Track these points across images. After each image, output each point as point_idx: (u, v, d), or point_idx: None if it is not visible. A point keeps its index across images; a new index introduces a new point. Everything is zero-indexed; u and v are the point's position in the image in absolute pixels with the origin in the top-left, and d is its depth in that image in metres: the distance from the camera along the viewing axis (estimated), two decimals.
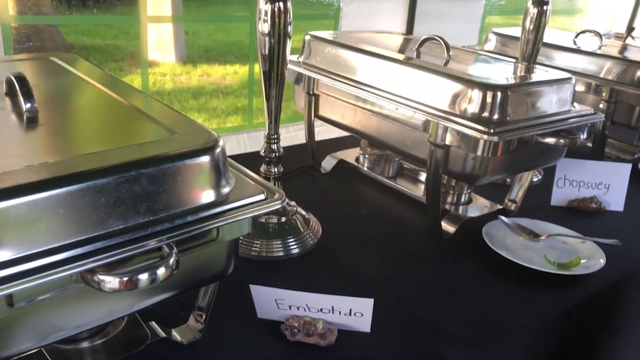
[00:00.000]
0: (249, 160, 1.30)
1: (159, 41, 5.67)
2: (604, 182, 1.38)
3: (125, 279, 0.56)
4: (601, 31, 1.73)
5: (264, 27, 0.96)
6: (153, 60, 5.75)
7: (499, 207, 1.30)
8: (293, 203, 1.14)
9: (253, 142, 2.47)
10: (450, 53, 1.22)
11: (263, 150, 1.06)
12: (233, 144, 2.44)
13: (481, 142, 1.01)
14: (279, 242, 1.06)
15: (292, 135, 2.32)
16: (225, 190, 0.68)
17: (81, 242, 0.57)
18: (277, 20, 0.96)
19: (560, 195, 1.38)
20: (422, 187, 1.33)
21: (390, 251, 1.12)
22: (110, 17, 5.83)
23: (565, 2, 5.24)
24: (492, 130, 0.99)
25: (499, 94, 1.02)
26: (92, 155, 0.61)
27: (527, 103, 1.08)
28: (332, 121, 1.35)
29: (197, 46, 6.32)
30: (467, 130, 1.01)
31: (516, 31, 1.75)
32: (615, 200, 1.37)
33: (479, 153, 1.03)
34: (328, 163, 1.47)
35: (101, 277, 0.56)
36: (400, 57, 1.21)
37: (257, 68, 0.99)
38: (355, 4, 2.58)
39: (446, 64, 1.19)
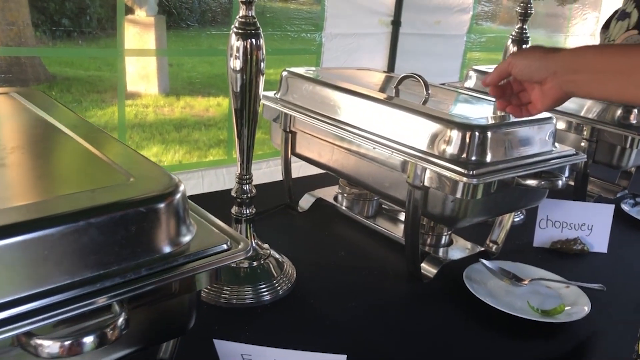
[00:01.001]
0: (224, 198, 1.27)
1: (143, 73, 5.64)
2: (587, 223, 1.35)
3: (67, 342, 0.51)
4: None
5: (236, 63, 0.93)
6: (136, 92, 5.71)
7: (480, 249, 1.26)
8: (266, 246, 1.09)
9: (232, 177, 2.40)
10: (430, 91, 1.19)
11: (234, 191, 1.02)
12: (212, 179, 2.39)
13: (460, 185, 0.98)
14: (250, 288, 1.01)
15: (272, 170, 2.28)
16: (185, 239, 0.64)
17: (18, 301, 0.51)
18: (249, 57, 0.92)
19: (542, 236, 1.35)
20: (402, 227, 1.29)
21: (367, 297, 1.07)
22: (94, 50, 5.80)
23: (545, 40, 5.33)
24: (471, 172, 0.96)
25: (477, 134, 0.99)
26: (35, 204, 0.56)
27: (507, 144, 1.05)
28: (309, 159, 1.32)
29: (180, 78, 6.31)
30: (446, 172, 0.97)
31: None
32: (599, 241, 1.34)
33: (458, 195, 0.99)
34: (305, 201, 1.43)
35: (39, 341, 0.50)
36: (378, 95, 1.18)
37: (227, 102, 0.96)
38: (337, 39, 2.57)
39: (425, 102, 1.16)
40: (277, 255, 1.10)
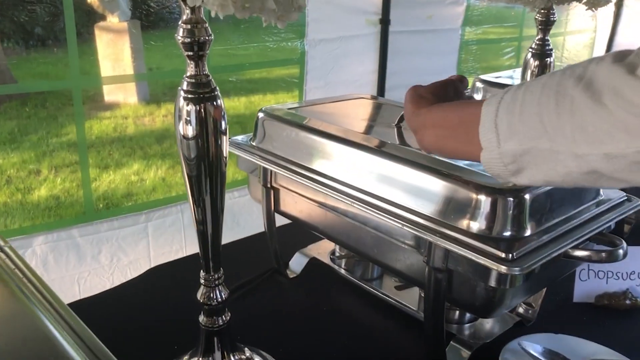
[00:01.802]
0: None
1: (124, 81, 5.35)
2: (637, 271, 1.12)
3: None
4: None
5: (187, 130, 0.68)
6: (114, 102, 5.44)
7: (516, 319, 1.03)
8: (248, 355, 0.85)
9: None
10: None
11: (200, 296, 0.78)
12: (189, 212, 2.15)
13: (495, 273, 0.74)
14: None
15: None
16: None
17: None
18: (205, 121, 0.68)
19: (584, 289, 1.12)
20: (417, 294, 1.05)
21: None
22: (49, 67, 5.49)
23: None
24: (510, 256, 0.72)
25: (513, 200, 0.76)
26: None
27: (549, 205, 0.81)
28: (297, 219, 1.08)
29: (161, 84, 6.03)
30: (476, 257, 0.73)
31: (504, 78, 1.51)
32: None
33: (493, 284, 0.76)
34: (297, 263, 1.19)
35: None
36: (378, 144, 0.94)
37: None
38: (321, 45, 2.32)
39: None
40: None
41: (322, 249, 1.21)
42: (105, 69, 5.06)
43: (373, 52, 2.56)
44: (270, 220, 1.12)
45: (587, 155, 0.48)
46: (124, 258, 1.99)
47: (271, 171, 1.04)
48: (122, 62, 5.12)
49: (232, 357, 0.81)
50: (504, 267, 0.71)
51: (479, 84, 1.59)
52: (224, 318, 0.79)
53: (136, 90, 5.42)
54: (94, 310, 1.05)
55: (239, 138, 1.12)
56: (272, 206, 1.09)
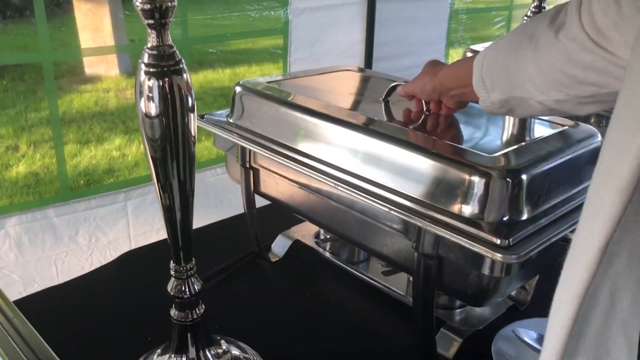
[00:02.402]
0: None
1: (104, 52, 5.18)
2: None
3: None
4: None
5: (150, 107, 0.61)
6: (95, 75, 5.28)
7: (509, 303, 0.98)
8: (225, 348, 0.80)
9: (197, 186, 2.10)
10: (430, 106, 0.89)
11: (171, 288, 0.72)
12: None
13: (490, 261, 0.69)
14: None
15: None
16: None
17: None
18: (169, 98, 0.61)
19: None
20: (405, 277, 1.00)
21: None
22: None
23: None
24: (507, 243, 0.67)
25: (511, 182, 0.70)
26: None
27: (548, 185, 0.76)
28: (279, 201, 1.01)
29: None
30: (469, 244, 0.68)
31: None
32: None
33: (486, 272, 0.70)
34: (279, 246, 1.13)
35: None
36: (364, 120, 0.87)
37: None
38: (305, 14, 2.22)
39: (425, 124, 0.86)
40: (237, 352, 0.81)
41: (306, 231, 1.15)
42: (85, 40, 4.89)
43: (360, 21, 2.46)
44: (249, 202, 1.05)
45: (545, 101, 0.64)
46: (103, 238, 1.92)
47: (250, 150, 0.98)
48: (102, 33, 4.95)
49: (207, 353, 0.75)
50: (499, 255, 0.66)
51: (469, 54, 1.52)
52: (198, 311, 0.73)
53: (117, 62, 5.25)
54: (65, 299, 0.99)
55: (215, 114, 1.05)
56: (251, 187, 1.03)
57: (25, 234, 1.77)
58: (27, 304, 0.94)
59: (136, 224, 2.01)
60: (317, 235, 1.14)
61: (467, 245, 0.68)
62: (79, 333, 0.90)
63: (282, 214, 1.16)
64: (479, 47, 1.53)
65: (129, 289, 1.01)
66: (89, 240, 1.91)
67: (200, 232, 1.24)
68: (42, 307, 0.96)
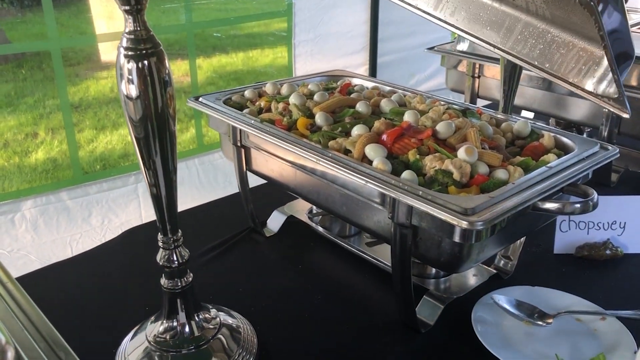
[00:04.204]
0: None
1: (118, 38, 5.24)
2: (618, 221, 1.10)
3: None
4: None
5: (130, 89, 0.66)
6: (111, 62, 5.36)
7: (492, 272, 1.02)
8: (213, 313, 0.85)
9: (206, 167, 2.17)
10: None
11: (160, 259, 0.77)
12: (183, 173, 2.13)
13: (457, 228, 0.72)
14: None
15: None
16: None
17: None
18: (149, 80, 0.65)
19: (565, 241, 1.10)
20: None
21: None
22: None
23: None
24: (471, 210, 0.70)
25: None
26: None
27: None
28: (269, 178, 1.06)
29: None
30: (439, 214, 0.71)
31: None
32: (635, 240, 1.09)
33: (457, 240, 0.74)
34: (274, 222, 1.18)
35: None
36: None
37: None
38: None
39: None
40: (230, 321, 0.86)
41: (300, 207, 1.20)
42: (100, 27, 4.96)
43: (364, 1, 2.48)
44: (242, 179, 1.10)
45: None
46: (115, 219, 1.99)
47: (240, 130, 1.02)
48: (117, 20, 5.01)
49: (196, 317, 0.80)
50: (464, 222, 0.69)
51: None
52: (186, 279, 0.78)
53: None
54: (69, 272, 1.06)
55: (207, 98, 1.09)
56: (243, 165, 1.07)
57: (41, 217, 1.84)
58: (31, 280, 1.00)
59: (147, 205, 2.08)
60: (310, 211, 1.18)
61: (435, 214, 0.71)
62: (81, 305, 0.96)
63: (279, 192, 1.21)
64: None
65: (130, 264, 1.07)
66: (102, 221, 1.98)
67: (203, 209, 1.30)
68: (44, 281, 1.02)
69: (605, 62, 0.83)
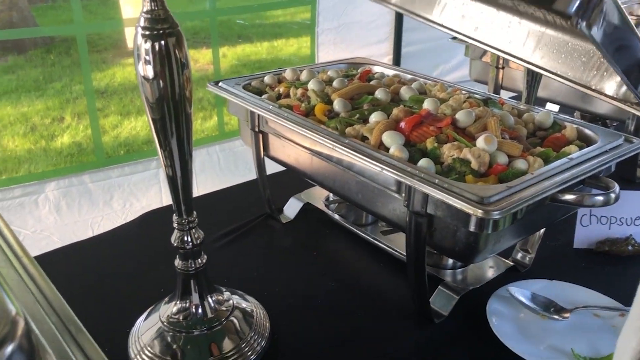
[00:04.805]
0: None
1: None
2: None
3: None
4: None
5: (147, 70, 0.66)
6: None
7: (509, 264, 1.00)
8: (227, 295, 0.85)
9: (226, 154, 2.17)
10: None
11: (174, 240, 0.77)
12: (204, 159, 2.15)
13: (474, 219, 0.71)
14: None
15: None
16: None
17: None
18: (166, 61, 0.66)
19: (585, 235, 1.08)
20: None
21: (363, 352, 0.83)
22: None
23: None
24: (488, 200, 0.69)
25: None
26: None
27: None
28: (286, 164, 1.05)
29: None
30: (455, 202, 0.70)
31: None
32: None
33: (472, 229, 0.73)
34: (291, 208, 1.18)
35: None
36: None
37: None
38: None
39: None
40: (243, 304, 0.86)
41: (317, 195, 1.19)
42: (127, 12, 5.00)
43: None
44: (260, 165, 1.10)
45: None
46: (136, 203, 2.01)
47: (259, 115, 1.02)
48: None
49: (209, 299, 0.81)
50: (480, 211, 0.68)
51: None
52: (200, 261, 0.78)
53: None
54: (87, 252, 1.07)
55: (226, 83, 1.09)
56: (261, 151, 1.07)
57: (64, 199, 1.88)
58: (50, 258, 1.02)
59: (167, 190, 2.09)
60: (327, 199, 1.17)
61: (450, 202, 0.70)
62: (97, 285, 0.97)
63: (295, 179, 1.21)
64: None
65: (148, 245, 1.08)
66: (123, 205, 2.00)
67: (221, 194, 1.30)
68: (64, 260, 1.04)
69: None
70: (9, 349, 0.40)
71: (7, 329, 0.41)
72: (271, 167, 1.12)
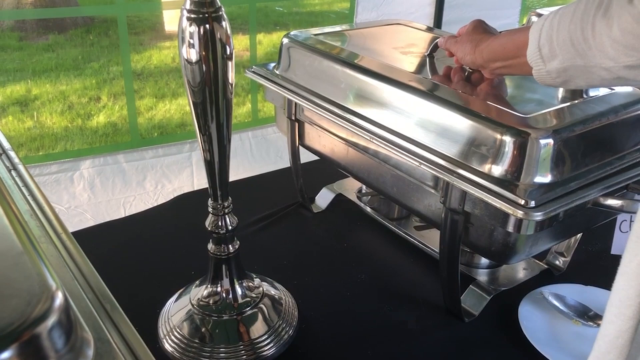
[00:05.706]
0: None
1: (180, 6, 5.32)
2: None
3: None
4: None
5: (191, 53, 0.66)
6: (174, 32, 5.45)
7: (543, 267, 0.98)
8: (257, 282, 0.85)
9: (258, 140, 2.18)
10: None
11: (209, 224, 0.78)
12: (236, 144, 2.16)
13: (512, 219, 0.70)
14: (239, 345, 0.78)
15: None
16: None
17: None
18: (210, 45, 0.66)
19: (624, 242, 1.04)
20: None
21: (390, 346, 0.83)
22: None
23: None
24: (528, 201, 0.68)
25: (542, 144, 0.70)
26: None
27: (584, 149, 0.75)
28: (321, 154, 1.05)
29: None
30: (494, 201, 0.69)
31: None
32: None
33: (510, 229, 0.71)
34: (322, 199, 1.17)
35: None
36: (403, 76, 0.88)
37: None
38: None
39: (468, 83, 0.86)
40: (272, 292, 0.86)
41: (349, 186, 1.19)
42: None
43: None
44: (295, 153, 1.10)
45: (613, 68, 0.61)
46: (168, 185, 2.04)
47: (295, 103, 1.01)
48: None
49: (240, 285, 0.81)
50: (520, 211, 0.67)
51: (534, 18, 1.47)
52: (233, 246, 0.79)
53: None
54: (121, 232, 1.09)
55: (262, 69, 1.08)
56: (296, 139, 1.07)
57: (98, 177, 1.91)
58: (84, 236, 1.03)
59: (200, 174, 2.12)
60: (359, 190, 1.17)
61: (489, 201, 0.69)
62: (129, 264, 0.99)
63: (329, 169, 1.20)
64: (543, 10, 1.48)
65: (180, 228, 1.09)
66: (155, 186, 2.03)
67: (253, 180, 1.31)
68: (97, 237, 1.05)
69: None
70: (50, 323, 0.40)
71: (48, 303, 0.41)
72: (304, 156, 1.12)
